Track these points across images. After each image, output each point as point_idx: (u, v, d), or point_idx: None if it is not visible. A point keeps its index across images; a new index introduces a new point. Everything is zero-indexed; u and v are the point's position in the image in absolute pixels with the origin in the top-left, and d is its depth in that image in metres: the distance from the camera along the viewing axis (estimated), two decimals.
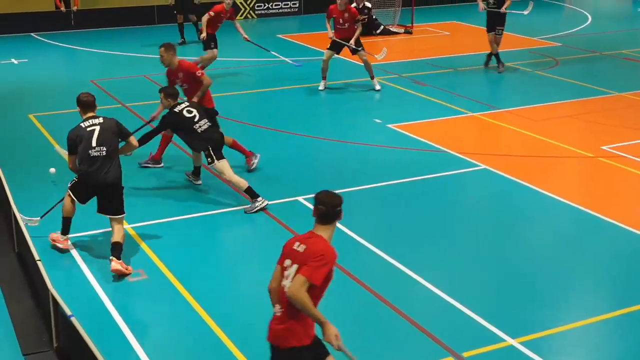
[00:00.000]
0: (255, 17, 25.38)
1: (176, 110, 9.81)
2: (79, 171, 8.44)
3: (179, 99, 9.99)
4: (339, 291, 7.34)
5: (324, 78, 15.94)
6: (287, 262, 5.26)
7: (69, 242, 8.80)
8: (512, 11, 17.26)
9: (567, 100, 15.31)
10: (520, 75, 17.41)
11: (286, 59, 17.28)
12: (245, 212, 9.76)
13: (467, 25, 24.28)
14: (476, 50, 20.03)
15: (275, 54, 17.24)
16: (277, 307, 5.30)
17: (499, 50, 17.34)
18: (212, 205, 10.05)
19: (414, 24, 22.73)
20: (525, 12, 17.89)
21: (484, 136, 13.18)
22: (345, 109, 15.04)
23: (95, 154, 8.24)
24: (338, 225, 9.21)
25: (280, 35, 22.08)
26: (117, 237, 8.28)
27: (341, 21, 15.56)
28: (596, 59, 17.40)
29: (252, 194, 9.83)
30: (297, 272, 5.14)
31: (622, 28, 23.31)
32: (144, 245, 8.92)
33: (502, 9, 16.93)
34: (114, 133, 8.39)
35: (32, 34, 22.14)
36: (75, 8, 22.62)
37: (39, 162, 11.55)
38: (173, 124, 9.85)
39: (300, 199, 10.17)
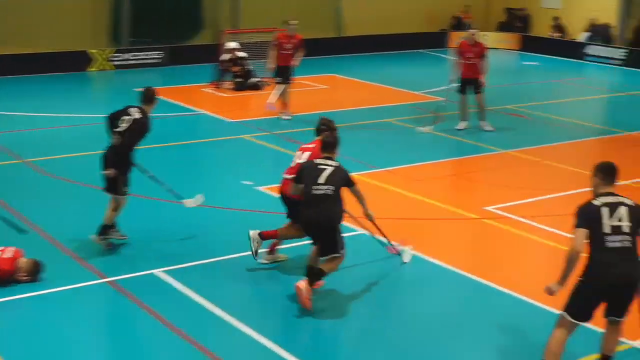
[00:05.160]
0: (113, 68, 25.29)
1: None
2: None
3: None
4: None
5: (464, 119, 18.12)
6: None
7: None
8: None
9: (450, 159, 15.97)
10: (401, 131, 18.02)
11: None
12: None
13: (346, 79, 24.99)
14: (355, 105, 20.64)
15: None
16: None
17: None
18: (54, 282, 9.77)
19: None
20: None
21: None
22: (209, 171, 15.16)
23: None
24: (200, 300, 9.27)
25: (140, 89, 21.96)
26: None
27: (470, 56, 17.63)
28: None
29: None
30: None
31: (509, 82, 24.56)
32: None
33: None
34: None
35: None
36: None
37: None
38: None
39: (157, 271, 10.11)
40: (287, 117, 18.77)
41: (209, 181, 14.36)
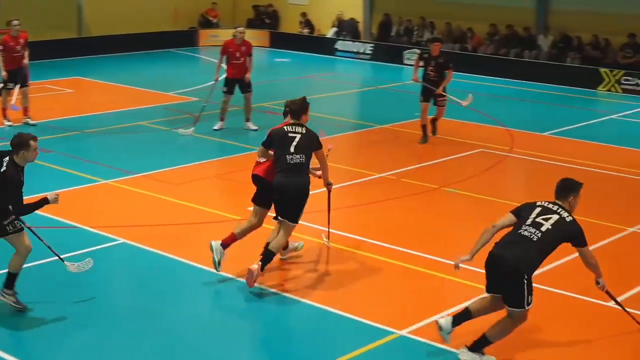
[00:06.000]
0: None
1: None
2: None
3: None
4: None
5: (222, 119, 18.16)
6: None
7: None
8: (451, 97, 17.60)
9: (209, 160, 16.00)
10: (156, 134, 17.87)
11: None
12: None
13: (92, 81, 24.43)
14: (105, 109, 20.24)
15: None
16: None
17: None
18: None
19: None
20: (464, 104, 17.81)
21: (120, 206, 13.26)
22: None
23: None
24: None
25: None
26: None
27: (237, 55, 17.63)
28: (242, 112, 18.43)
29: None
30: None
31: (261, 79, 24.94)
32: None
33: (439, 90, 17.24)
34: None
35: None
36: None
37: None
38: None
39: None
40: (32, 123, 18.07)
41: None
